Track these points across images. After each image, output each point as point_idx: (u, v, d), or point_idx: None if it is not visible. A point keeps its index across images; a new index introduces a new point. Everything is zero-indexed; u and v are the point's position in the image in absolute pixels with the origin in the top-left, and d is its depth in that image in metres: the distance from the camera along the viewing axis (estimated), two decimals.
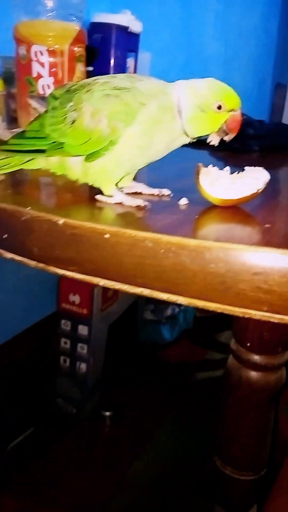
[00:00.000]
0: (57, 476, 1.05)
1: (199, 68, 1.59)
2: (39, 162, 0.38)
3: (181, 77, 1.16)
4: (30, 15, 0.57)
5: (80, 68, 0.60)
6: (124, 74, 0.36)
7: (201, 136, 0.36)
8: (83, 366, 1.22)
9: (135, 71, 1.18)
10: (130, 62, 1.16)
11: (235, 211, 0.34)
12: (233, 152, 0.77)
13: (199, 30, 1.58)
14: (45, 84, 0.58)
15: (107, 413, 1.26)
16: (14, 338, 1.11)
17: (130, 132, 0.33)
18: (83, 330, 1.19)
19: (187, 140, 0.36)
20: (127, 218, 0.34)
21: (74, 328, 1.20)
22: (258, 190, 0.34)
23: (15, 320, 1.14)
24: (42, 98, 0.40)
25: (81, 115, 0.34)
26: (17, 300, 1.12)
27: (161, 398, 1.33)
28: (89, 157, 0.35)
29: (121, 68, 1.14)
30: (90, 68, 1.04)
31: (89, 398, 1.25)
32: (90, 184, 0.36)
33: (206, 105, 0.34)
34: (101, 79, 0.35)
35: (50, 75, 0.57)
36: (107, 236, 0.28)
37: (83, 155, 0.35)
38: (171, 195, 0.39)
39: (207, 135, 0.36)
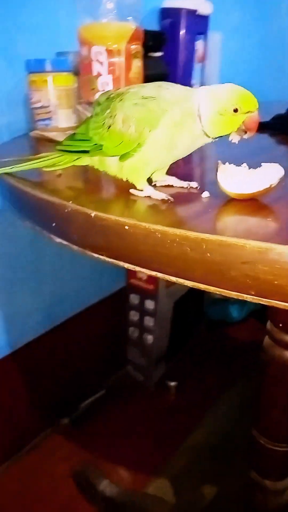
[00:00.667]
0: (121, 434, 1.16)
1: (275, 45, 1.53)
2: (86, 160, 0.45)
3: (256, 56, 1.17)
4: (91, 17, 0.63)
5: (137, 64, 0.65)
6: (154, 83, 0.41)
7: (221, 136, 0.40)
8: (149, 338, 1.30)
9: (204, 53, 1.20)
10: (198, 44, 1.17)
11: (249, 204, 0.38)
12: None
13: (273, 4, 1.52)
14: (104, 82, 0.64)
15: (172, 383, 1.33)
16: (90, 307, 1.22)
17: (154, 135, 0.39)
18: (149, 304, 1.27)
19: (208, 140, 0.40)
20: (152, 210, 0.39)
21: (142, 302, 1.28)
22: (271, 185, 0.37)
23: (90, 293, 1.25)
24: (89, 104, 0.46)
25: (115, 121, 0.39)
26: (92, 275, 1.23)
27: (225, 372, 1.37)
28: (122, 157, 0.40)
29: (189, 51, 1.16)
30: (160, 53, 1.08)
31: (155, 368, 1.33)
32: (125, 179, 0.42)
33: (223, 109, 0.38)
34: (133, 88, 0.40)
35: (108, 73, 0.63)
36: (126, 227, 0.34)
37: (117, 156, 0.41)
38: (198, 188, 0.43)
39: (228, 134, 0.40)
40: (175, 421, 1.21)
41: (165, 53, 1.14)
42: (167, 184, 0.45)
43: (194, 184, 0.43)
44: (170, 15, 1.12)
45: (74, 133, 0.45)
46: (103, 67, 0.63)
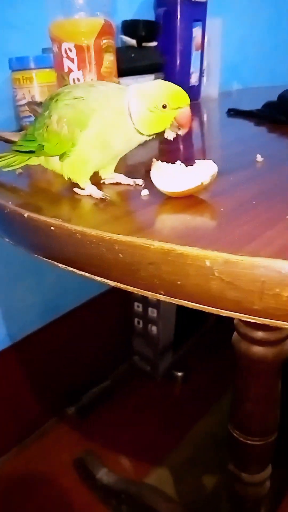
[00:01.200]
0: (126, 424, 1.18)
1: (285, 27, 1.49)
2: (35, 160, 0.46)
3: (264, 39, 1.15)
4: (62, 14, 0.63)
5: (109, 58, 0.65)
6: (86, 82, 0.41)
7: (156, 133, 0.40)
8: (154, 328, 1.31)
9: (203, 40, 1.18)
10: (196, 31, 1.15)
11: (183, 202, 0.38)
12: (279, 124, 0.75)
13: None
14: (75, 78, 0.64)
15: (179, 374, 1.34)
16: (94, 298, 1.24)
17: (86, 135, 0.39)
18: None
19: (144, 138, 0.40)
20: (91, 209, 0.39)
21: None
22: (203, 182, 0.37)
23: (94, 284, 1.26)
24: (38, 104, 0.47)
25: (51, 122, 0.40)
26: None
27: (232, 363, 1.36)
28: (61, 157, 0.41)
29: (186, 39, 1.15)
30: (154, 43, 1.08)
31: (161, 358, 1.34)
32: (66, 179, 0.43)
33: (152, 105, 0.38)
34: (67, 89, 0.41)
35: (79, 69, 0.64)
36: (52, 228, 0.35)
37: (58, 155, 0.41)
38: (143, 185, 0.43)
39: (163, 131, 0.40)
40: (180, 412, 1.23)
41: (161, 42, 1.13)
42: (115, 181, 0.45)
43: (139, 182, 0.43)
44: (164, 3, 1.10)
45: (26, 134, 0.46)
46: (74, 63, 0.63)
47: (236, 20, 1.35)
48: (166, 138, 0.41)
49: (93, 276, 0.34)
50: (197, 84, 1.21)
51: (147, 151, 0.58)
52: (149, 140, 0.41)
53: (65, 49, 0.63)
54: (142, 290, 0.31)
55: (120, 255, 0.31)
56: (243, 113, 0.88)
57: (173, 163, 0.39)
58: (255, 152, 0.52)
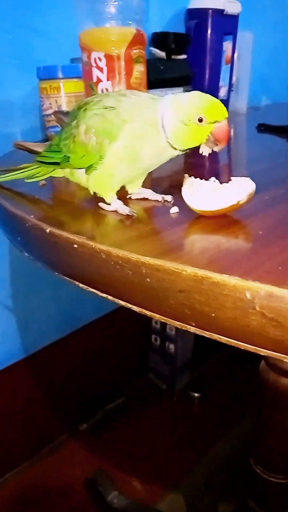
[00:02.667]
0: (139, 443, 1.14)
1: None
2: (60, 172, 0.43)
3: None
4: (93, 22, 0.62)
5: (139, 68, 0.63)
6: (117, 92, 0.38)
7: (190, 148, 0.37)
8: (172, 346, 1.27)
9: (233, 54, 1.16)
10: (227, 45, 1.13)
11: (215, 222, 0.35)
12: None
13: None
14: (104, 88, 0.62)
15: (196, 394, 1.30)
16: (111, 313, 1.21)
17: (115, 147, 0.36)
18: None
19: (176, 153, 0.37)
20: (117, 225, 0.37)
21: None
22: (239, 202, 0.34)
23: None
24: (65, 114, 0.45)
25: (78, 132, 0.38)
26: None
27: (253, 386, 1.31)
28: (87, 170, 0.39)
29: (216, 52, 1.12)
30: (184, 56, 1.06)
31: (178, 377, 1.30)
32: (92, 193, 0.40)
33: (187, 118, 0.35)
34: (97, 97, 0.38)
35: (108, 79, 0.62)
36: (75, 246, 0.32)
37: (84, 168, 0.39)
38: (172, 202, 0.40)
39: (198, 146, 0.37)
40: (197, 433, 1.18)
41: (191, 55, 1.11)
42: (142, 197, 0.42)
43: (168, 198, 0.41)
44: (196, 16, 1.09)
45: (51, 144, 0.44)
46: (103, 73, 0.61)
47: (267, 34, 1.33)
48: (192, 151, 0.38)
49: (116, 300, 0.32)
50: (225, 98, 1.18)
51: (172, 165, 0.55)
52: (181, 154, 0.38)
53: (95, 58, 0.61)
54: (170, 319, 0.28)
55: (148, 279, 0.28)
56: (274, 128, 0.85)
57: (206, 179, 0.36)
58: None
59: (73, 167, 0.40)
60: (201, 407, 1.28)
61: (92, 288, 0.33)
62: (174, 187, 0.44)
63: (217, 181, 0.36)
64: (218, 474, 1.06)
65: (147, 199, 0.42)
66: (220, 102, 0.35)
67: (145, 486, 1.05)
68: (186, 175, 0.36)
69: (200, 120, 0.35)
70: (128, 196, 0.43)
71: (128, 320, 1.26)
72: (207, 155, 0.38)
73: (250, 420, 1.18)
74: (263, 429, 0.55)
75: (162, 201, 0.41)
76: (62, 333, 1.10)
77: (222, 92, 1.17)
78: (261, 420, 0.54)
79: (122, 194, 0.42)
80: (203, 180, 0.36)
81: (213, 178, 0.36)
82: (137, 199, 0.42)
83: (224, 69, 1.16)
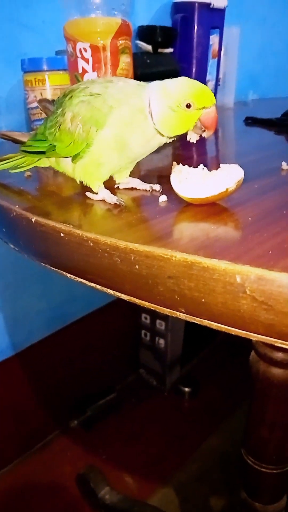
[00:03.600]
0: (130, 439, 1.14)
1: None
2: (45, 162, 0.43)
3: (284, 48, 1.11)
4: (78, 13, 0.61)
5: (125, 59, 0.63)
6: (104, 78, 0.38)
7: (178, 135, 0.37)
8: (161, 341, 1.27)
9: (220, 48, 1.16)
10: (213, 39, 1.13)
11: (204, 210, 0.34)
12: None
13: None
14: (90, 79, 0.62)
15: (186, 389, 1.30)
16: (100, 308, 1.20)
17: (102, 135, 0.36)
18: None
19: (164, 140, 0.37)
20: (104, 215, 0.36)
21: None
22: (228, 189, 0.34)
23: (101, 293, 1.23)
24: (50, 102, 0.44)
25: (64, 120, 0.37)
26: None
27: (243, 380, 1.32)
28: (74, 158, 0.38)
29: (203, 46, 1.12)
30: (170, 50, 1.05)
31: (169, 372, 1.30)
32: (79, 182, 0.39)
33: (175, 104, 0.34)
34: (83, 84, 0.38)
35: (93, 70, 0.61)
36: (62, 235, 0.32)
37: (70, 157, 0.38)
38: (160, 191, 0.40)
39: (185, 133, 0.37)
40: (188, 428, 1.18)
41: (178, 49, 1.10)
42: (130, 186, 0.42)
43: (156, 187, 0.40)
44: (182, 9, 1.08)
45: (36, 133, 0.43)
46: (88, 64, 0.61)
47: (254, 28, 1.33)
48: (181, 144, 0.38)
49: (104, 289, 0.31)
50: (213, 92, 1.18)
51: (159, 157, 0.55)
52: (168, 143, 0.38)
53: (80, 49, 0.60)
54: (160, 307, 0.28)
55: (136, 266, 0.28)
56: (262, 121, 0.85)
57: (195, 167, 0.36)
58: (279, 160, 0.49)
59: (59, 156, 0.40)
60: (192, 402, 1.28)
61: (80, 278, 0.32)
62: (162, 177, 0.44)
63: (205, 168, 0.36)
64: (209, 468, 1.06)
65: (135, 188, 0.42)
66: (208, 88, 0.35)
67: (136, 480, 1.05)
68: (175, 163, 0.36)
69: (188, 106, 0.34)
70: (115, 186, 0.42)
71: (118, 315, 1.26)
72: (195, 144, 0.37)
73: (241, 413, 1.18)
74: (254, 419, 0.55)
75: (150, 190, 0.40)
76: (52, 329, 1.09)
77: (209, 86, 1.16)
78: (252, 411, 0.54)
79: (110, 184, 0.41)
80: (191, 167, 0.36)
81: (201, 166, 0.36)
82: (125, 188, 0.42)
83: (211, 63, 1.15)
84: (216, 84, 1.20)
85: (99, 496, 0.94)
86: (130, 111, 0.35)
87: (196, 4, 1.06)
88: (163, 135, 0.36)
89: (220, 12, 1.11)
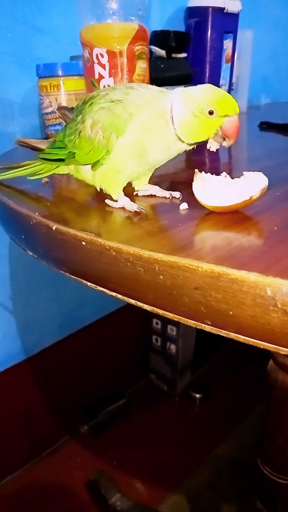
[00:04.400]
0: (141, 444, 1.13)
1: None
2: (64, 169, 0.42)
3: None
4: (94, 18, 0.61)
5: (141, 65, 0.62)
6: (124, 85, 0.38)
7: (198, 142, 0.36)
8: (173, 347, 1.26)
9: (233, 52, 1.15)
10: (227, 43, 1.13)
11: (227, 218, 0.34)
12: None
13: None
14: (106, 85, 0.61)
15: (197, 395, 1.29)
16: (111, 313, 1.20)
17: (122, 142, 0.35)
18: None
19: (184, 147, 0.36)
20: (124, 223, 0.36)
21: None
22: (252, 197, 0.33)
23: (112, 298, 1.23)
24: (69, 110, 0.44)
25: (84, 127, 0.37)
26: None
27: (255, 386, 1.30)
28: (94, 166, 0.38)
29: (217, 51, 1.12)
30: (184, 54, 1.05)
31: (179, 378, 1.29)
32: (99, 189, 0.39)
33: (197, 109, 0.34)
34: (103, 91, 0.37)
35: (110, 76, 0.61)
36: (83, 243, 0.31)
37: (90, 164, 0.38)
38: (181, 198, 0.39)
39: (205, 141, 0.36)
40: (199, 434, 1.17)
41: (192, 53, 1.10)
42: (149, 193, 0.41)
43: (176, 194, 0.40)
44: (196, 14, 1.08)
45: (55, 140, 0.43)
46: (105, 69, 0.60)
47: (267, 32, 1.32)
48: (195, 150, 0.37)
49: (126, 298, 0.31)
50: None
51: (175, 163, 0.54)
52: (188, 150, 0.37)
53: (97, 55, 0.60)
54: (185, 318, 0.27)
55: (161, 276, 0.27)
56: (277, 126, 0.84)
57: (217, 174, 0.35)
58: None
59: (78, 164, 0.39)
60: (203, 408, 1.27)
61: (101, 286, 0.32)
62: (180, 184, 0.43)
63: (228, 176, 0.35)
64: (220, 475, 1.05)
65: (154, 196, 0.41)
66: (232, 97, 0.35)
67: (147, 487, 1.04)
68: (197, 170, 0.35)
69: (211, 113, 0.34)
70: (134, 193, 0.42)
71: (129, 321, 1.25)
72: (214, 151, 0.37)
73: (252, 420, 1.17)
74: (271, 429, 0.54)
75: (170, 197, 0.40)
76: (63, 334, 1.09)
77: None
78: (269, 421, 0.53)
79: (129, 191, 0.41)
80: (214, 175, 0.35)
81: (224, 173, 0.35)
82: (144, 196, 0.42)
83: (225, 67, 1.15)
84: (230, 89, 1.19)
85: (110, 502, 0.93)
86: (151, 116, 0.35)
87: (210, 9, 1.05)
88: (183, 142, 0.36)
89: (234, 16, 1.10)
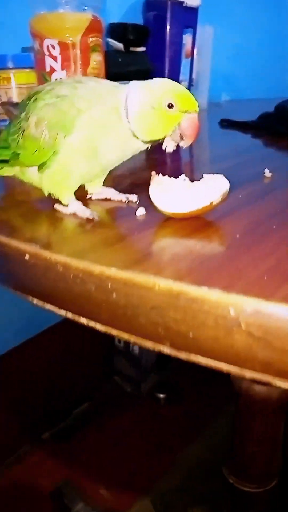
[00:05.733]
0: (107, 449, 1.10)
1: (284, 35, 1.43)
2: (9, 170, 0.39)
3: (261, 48, 1.08)
4: (46, 8, 0.57)
5: (96, 58, 0.59)
6: (72, 78, 0.34)
7: (155, 141, 0.33)
8: (136, 348, 1.24)
9: (193, 47, 1.13)
10: (187, 38, 1.10)
11: (187, 224, 0.31)
12: (279, 136, 0.70)
13: None
14: (58, 79, 0.58)
15: (161, 395, 1.27)
16: None
17: (71, 141, 0.32)
18: None
19: (139, 145, 0.34)
20: (75, 231, 0.33)
21: None
22: (212, 202, 0.31)
23: None
24: (14, 105, 0.40)
25: (28, 125, 0.33)
26: None
27: (224, 387, 1.30)
28: (40, 168, 0.34)
29: (176, 46, 1.09)
30: (143, 48, 1.02)
31: (144, 379, 1.27)
32: (47, 194, 0.36)
33: (156, 101, 0.31)
34: (49, 85, 0.34)
35: (62, 69, 0.57)
36: (26, 257, 0.28)
37: (36, 166, 0.34)
38: (137, 202, 0.37)
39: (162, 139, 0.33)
40: (168, 436, 1.15)
41: (151, 48, 1.07)
42: (104, 197, 0.38)
43: (133, 198, 0.37)
44: (155, 7, 1.05)
45: None
46: (57, 62, 0.57)
47: (229, 29, 1.31)
48: (155, 148, 0.35)
49: (76, 317, 0.27)
50: None
51: (134, 162, 0.51)
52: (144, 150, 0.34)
53: (48, 46, 0.56)
54: (141, 339, 0.25)
55: (114, 295, 0.24)
56: (238, 124, 0.83)
57: (175, 176, 0.33)
58: (260, 166, 0.47)
59: (23, 165, 0.36)
60: (172, 409, 1.25)
61: (49, 303, 0.28)
62: (138, 186, 0.40)
63: (187, 179, 0.33)
64: (191, 477, 1.04)
65: (109, 199, 0.38)
66: (191, 94, 0.32)
67: (114, 492, 1.02)
68: (154, 173, 0.33)
69: (170, 106, 0.31)
70: (88, 197, 0.39)
71: None
72: (170, 151, 0.34)
73: (222, 420, 1.16)
74: (240, 437, 0.52)
75: (126, 201, 0.37)
76: (23, 338, 1.04)
77: None
78: (237, 429, 0.52)
79: (81, 194, 0.37)
80: (172, 178, 0.33)
81: (183, 176, 0.33)
82: (98, 199, 0.38)
83: (184, 63, 1.13)
84: (190, 85, 1.17)
85: None
86: (102, 111, 0.32)
87: (169, 2, 1.03)
88: (138, 138, 0.33)
89: (194, 11, 1.08)
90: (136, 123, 0.32)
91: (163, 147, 0.33)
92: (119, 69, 0.98)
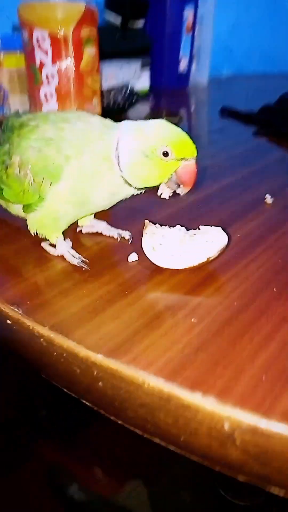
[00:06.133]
0: (109, 441, 1.11)
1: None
2: None
3: (263, 23, 1.01)
4: None
5: (90, 51, 0.54)
6: (59, 114, 0.31)
7: (149, 187, 0.30)
8: None
9: (194, 22, 1.06)
10: (188, 14, 1.03)
11: (182, 280, 0.29)
12: (280, 137, 0.67)
13: None
14: (49, 74, 0.53)
15: None
16: None
17: (58, 189, 0.29)
18: None
19: (132, 191, 0.31)
20: (62, 279, 0.30)
21: None
22: (209, 258, 0.28)
23: None
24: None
25: (12, 164, 0.30)
26: None
27: None
28: (26, 208, 0.31)
29: (176, 21, 1.03)
30: (141, 23, 0.95)
31: None
32: (33, 234, 0.33)
33: (150, 149, 0.28)
34: (33, 121, 0.30)
35: (53, 63, 0.52)
36: (9, 322, 0.26)
37: (21, 204, 0.32)
38: (130, 241, 0.34)
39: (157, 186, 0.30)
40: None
41: (150, 23, 1.01)
42: (95, 230, 0.36)
43: (126, 235, 0.34)
44: None
45: None
46: (47, 55, 0.52)
47: (229, 0, 1.23)
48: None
49: (65, 389, 0.26)
50: (186, 70, 1.09)
51: None
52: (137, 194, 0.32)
53: (37, 38, 0.52)
54: (130, 427, 0.23)
55: (100, 383, 0.22)
56: (239, 115, 0.79)
57: (170, 226, 0.30)
58: (260, 187, 0.44)
59: (8, 201, 0.33)
60: None
61: (38, 370, 0.27)
62: (131, 217, 0.38)
63: (183, 228, 0.30)
64: (180, 460, 1.05)
65: (100, 233, 0.35)
66: (189, 137, 0.29)
67: (105, 476, 1.03)
68: (147, 221, 0.30)
69: (165, 154, 0.28)
70: (78, 229, 0.36)
71: None
72: (166, 198, 0.31)
73: None
74: None
75: (119, 238, 0.34)
76: None
77: (183, 64, 1.07)
78: None
79: (72, 227, 0.35)
80: (167, 227, 0.30)
81: (178, 226, 0.30)
82: (88, 233, 0.36)
83: (185, 38, 1.06)
84: (190, 62, 1.11)
85: (68, 494, 0.92)
86: (92, 159, 0.29)
87: None
88: (131, 185, 0.30)
89: None
90: (128, 171, 0.29)
91: (158, 194, 0.31)
92: (117, 46, 0.92)
